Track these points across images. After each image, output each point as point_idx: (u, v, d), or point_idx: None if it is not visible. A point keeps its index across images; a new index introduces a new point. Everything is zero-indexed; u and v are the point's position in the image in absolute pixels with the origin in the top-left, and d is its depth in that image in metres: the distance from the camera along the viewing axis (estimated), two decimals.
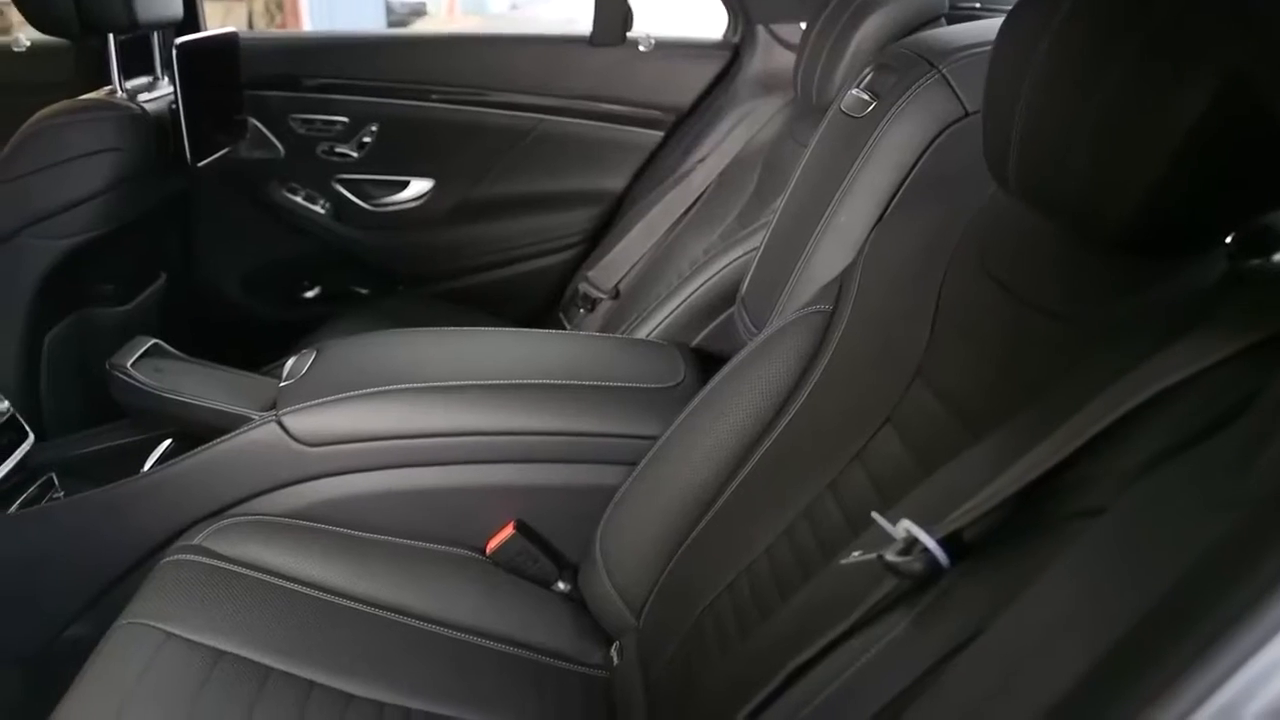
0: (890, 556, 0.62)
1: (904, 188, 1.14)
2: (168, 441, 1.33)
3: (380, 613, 1.09)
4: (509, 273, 2.23)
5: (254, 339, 1.92)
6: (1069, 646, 0.48)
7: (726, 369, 1.10)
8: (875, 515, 0.67)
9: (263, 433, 1.17)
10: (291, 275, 2.26)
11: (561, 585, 1.21)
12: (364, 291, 2.29)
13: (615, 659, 1.10)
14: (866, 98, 1.20)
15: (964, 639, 0.56)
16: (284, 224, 2.19)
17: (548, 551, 1.21)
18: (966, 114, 1.10)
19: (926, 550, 0.61)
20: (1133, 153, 0.62)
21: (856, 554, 0.67)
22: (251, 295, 2.23)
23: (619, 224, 2.12)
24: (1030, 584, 0.54)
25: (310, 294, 2.27)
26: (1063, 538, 0.56)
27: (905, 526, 0.62)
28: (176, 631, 0.97)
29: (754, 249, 1.43)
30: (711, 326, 1.49)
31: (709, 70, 2.16)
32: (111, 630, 0.98)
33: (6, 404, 1.38)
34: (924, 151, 1.13)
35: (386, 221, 2.20)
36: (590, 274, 1.97)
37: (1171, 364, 0.57)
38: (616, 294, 1.91)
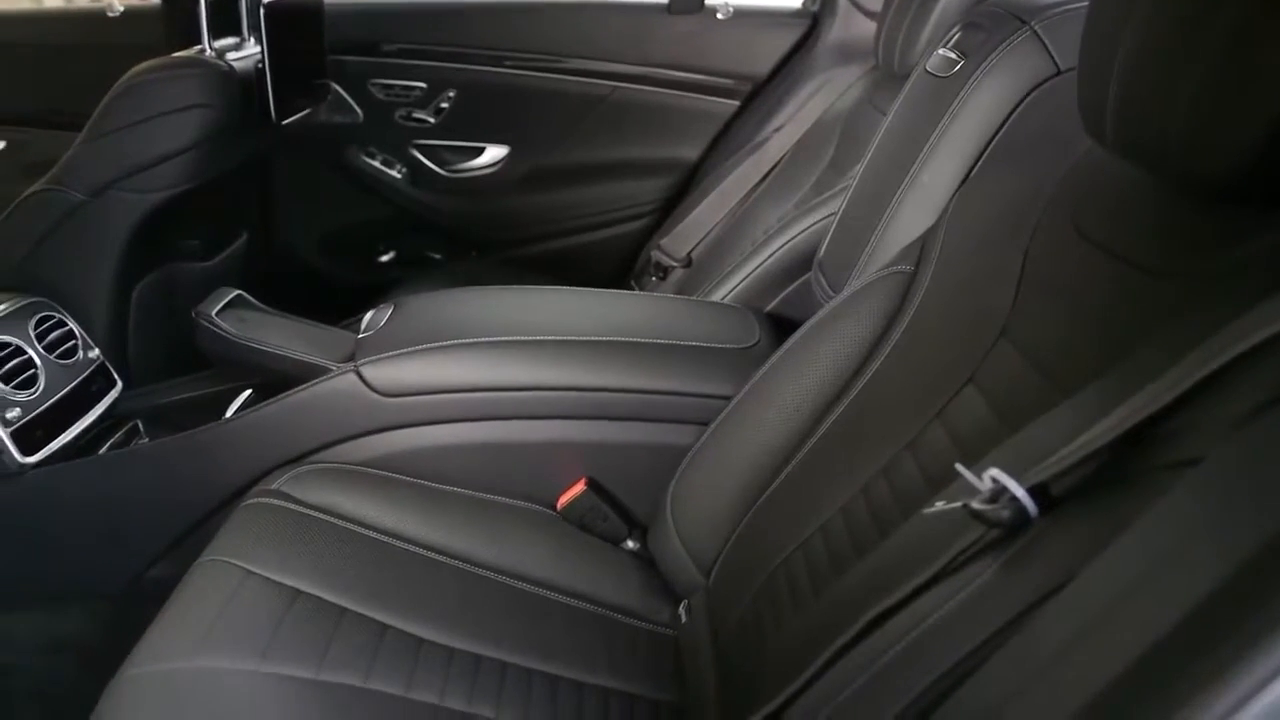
0: (976, 504, 0.61)
1: (991, 148, 1.11)
2: (248, 391, 1.35)
3: (452, 562, 1.10)
4: (582, 240, 2.24)
5: (329, 301, 1.95)
6: (1155, 600, 0.47)
7: (804, 329, 1.09)
8: (959, 467, 0.66)
9: (341, 382, 1.19)
10: (367, 239, 2.29)
11: (631, 543, 1.21)
12: (437, 256, 2.32)
13: (683, 617, 1.10)
14: (954, 56, 1.17)
15: (1052, 588, 0.55)
16: (361, 188, 2.23)
17: (618, 509, 1.21)
18: (1059, 72, 1.07)
19: (1014, 499, 0.59)
20: (1246, 96, 0.59)
21: (940, 504, 0.65)
22: (328, 257, 2.26)
23: (693, 193, 2.11)
24: (1121, 533, 0.53)
25: (385, 258, 2.31)
26: (1157, 487, 0.54)
27: (993, 475, 0.61)
28: (256, 570, 0.99)
29: (831, 214, 1.41)
30: (787, 291, 1.48)
31: (787, 39, 2.14)
32: (194, 566, 1.01)
33: (97, 352, 1.43)
34: (1013, 110, 1.10)
35: (461, 187, 2.22)
36: (663, 242, 1.96)
37: (1278, 311, 0.54)
38: (689, 262, 1.90)
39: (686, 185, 2.19)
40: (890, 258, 1.06)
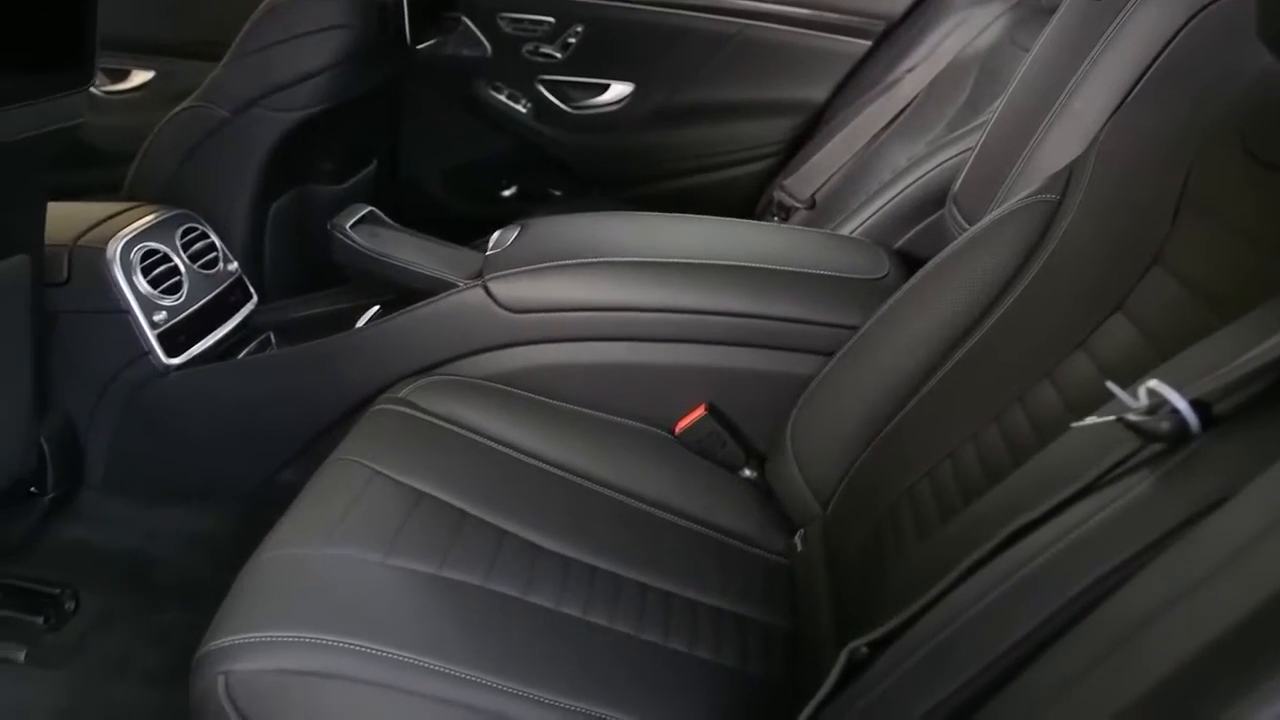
0: (1133, 416, 0.58)
1: (1150, 72, 1.05)
2: (376, 308, 1.39)
3: (570, 477, 1.11)
4: (703, 180, 2.21)
5: (451, 232, 1.97)
6: None
7: (938, 259, 1.06)
8: (1111, 385, 0.63)
9: (469, 297, 1.21)
10: (490, 173, 2.31)
11: (748, 472, 1.20)
12: (558, 193, 2.33)
13: (799, 546, 1.09)
14: None
15: (1212, 503, 0.52)
16: (486, 122, 2.24)
17: (737, 436, 1.20)
18: None
19: (1174, 411, 0.56)
20: None
21: (1092, 418, 0.63)
22: (451, 190, 2.29)
23: (819, 134, 2.06)
24: None
25: (507, 192, 2.32)
26: None
27: (1151, 387, 0.58)
28: (383, 470, 1.02)
29: (967, 150, 1.36)
30: (917, 229, 1.43)
31: None
32: (325, 464, 1.04)
33: (235, 265, 1.49)
34: (1176, 33, 1.04)
35: (585, 124, 2.22)
36: (786, 182, 1.92)
37: None
38: (813, 203, 1.86)
39: (812, 127, 2.14)
40: (1033, 188, 1.02)
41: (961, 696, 0.56)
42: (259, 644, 0.79)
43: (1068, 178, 0.99)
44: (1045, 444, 0.77)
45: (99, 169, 1.92)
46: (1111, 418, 0.60)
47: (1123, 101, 1.07)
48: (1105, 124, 1.00)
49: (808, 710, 0.67)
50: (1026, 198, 1.01)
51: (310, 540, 0.91)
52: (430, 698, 0.79)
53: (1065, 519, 0.60)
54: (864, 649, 0.69)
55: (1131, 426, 0.58)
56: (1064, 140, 1.09)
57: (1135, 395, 0.60)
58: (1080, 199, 0.95)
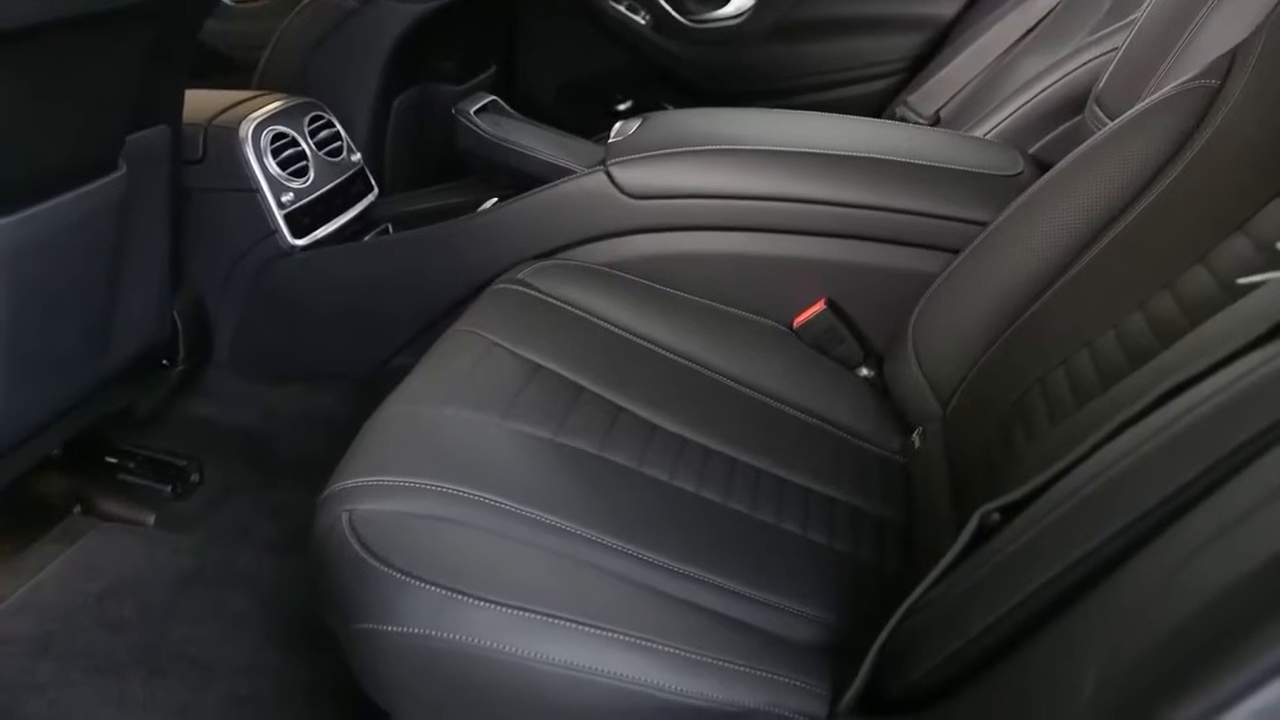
0: None
1: None
2: (493, 200, 1.39)
3: (686, 363, 1.10)
4: (822, 97, 2.15)
5: None
6: None
7: (1081, 148, 1.02)
8: None
9: (590, 182, 1.20)
10: (605, 86, 2.29)
11: (864, 370, 1.18)
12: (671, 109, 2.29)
13: (917, 443, 1.06)
14: None
15: None
16: (603, 33, 2.22)
17: (855, 333, 1.18)
18: None
19: None
20: None
21: (1260, 275, 0.59)
22: (565, 102, 2.28)
23: (945, 51, 1.98)
24: None
25: (622, 107, 2.30)
26: None
27: None
28: (501, 342, 1.02)
29: (1112, 50, 1.29)
30: (1054, 134, 1.37)
31: None
32: (444, 335, 1.05)
33: (359, 156, 1.50)
34: None
35: (704, 37, 2.18)
36: (910, 98, 1.86)
37: None
38: (937, 119, 1.79)
39: (939, 44, 2.07)
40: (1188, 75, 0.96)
41: (1109, 549, 0.54)
42: (383, 487, 0.81)
43: (1229, 63, 0.93)
44: (1195, 326, 0.73)
45: (225, 75, 1.97)
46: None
47: None
48: (1276, 5, 0.93)
49: (939, 568, 0.66)
50: (1182, 84, 0.95)
51: (432, 400, 0.92)
52: (544, 549, 0.79)
53: (1230, 371, 0.56)
54: (996, 515, 0.67)
55: None
56: (1225, 27, 1.03)
57: None
58: (1244, 83, 0.90)
